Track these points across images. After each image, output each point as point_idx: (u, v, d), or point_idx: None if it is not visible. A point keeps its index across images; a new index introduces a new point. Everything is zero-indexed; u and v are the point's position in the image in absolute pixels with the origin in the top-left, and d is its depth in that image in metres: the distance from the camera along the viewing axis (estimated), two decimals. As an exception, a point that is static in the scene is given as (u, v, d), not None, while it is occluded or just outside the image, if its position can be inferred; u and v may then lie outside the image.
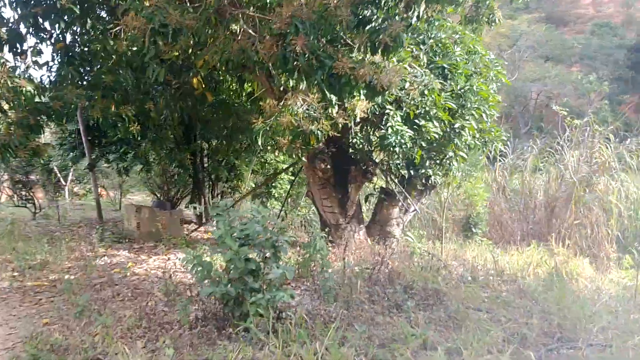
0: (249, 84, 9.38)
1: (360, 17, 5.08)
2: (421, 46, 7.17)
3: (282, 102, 6.15)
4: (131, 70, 7.37)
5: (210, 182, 12.50)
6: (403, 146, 7.37)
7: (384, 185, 9.07)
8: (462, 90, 8.06)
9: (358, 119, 6.72)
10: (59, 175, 14.47)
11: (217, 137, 10.97)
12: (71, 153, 11.59)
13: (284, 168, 11.29)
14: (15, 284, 6.19)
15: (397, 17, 5.14)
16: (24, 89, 6.06)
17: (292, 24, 4.81)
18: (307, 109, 6.19)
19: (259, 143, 6.62)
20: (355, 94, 6.04)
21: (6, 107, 6.79)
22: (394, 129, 7.37)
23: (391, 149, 7.47)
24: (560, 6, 50.39)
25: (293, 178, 12.80)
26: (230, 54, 5.41)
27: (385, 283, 5.87)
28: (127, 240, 9.29)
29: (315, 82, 5.08)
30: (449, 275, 6.41)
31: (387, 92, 5.35)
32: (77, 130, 10.95)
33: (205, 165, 12.12)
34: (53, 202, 14.49)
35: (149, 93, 8.39)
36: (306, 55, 4.86)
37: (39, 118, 6.60)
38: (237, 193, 13.77)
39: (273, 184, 12.33)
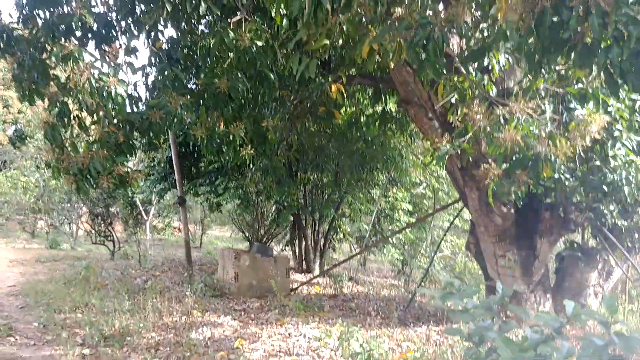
0: (383, 100, 7.33)
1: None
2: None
3: (492, 110, 3.96)
4: (245, 77, 5.53)
5: (313, 222, 10.45)
6: (632, 185, 5.03)
7: (575, 239, 6.59)
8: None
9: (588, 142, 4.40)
10: (140, 209, 12.99)
11: (329, 168, 8.92)
12: (159, 185, 9.93)
13: (436, 209, 8.79)
14: (84, 371, 4.26)
15: None
16: (113, 91, 4.27)
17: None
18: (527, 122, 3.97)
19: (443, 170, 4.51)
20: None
21: (88, 121, 5.08)
22: (623, 160, 5.03)
23: (609, 188, 5.15)
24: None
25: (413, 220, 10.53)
26: (432, 28, 3.33)
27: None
28: (224, 296, 7.32)
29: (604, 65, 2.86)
30: None
31: None
32: (167, 158, 9.31)
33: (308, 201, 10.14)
34: (132, 237, 13.01)
35: (263, 108, 6.52)
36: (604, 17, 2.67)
37: (129, 134, 4.81)
38: (340, 235, 11.67)
39: (390, 228, 10.08)
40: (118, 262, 11.08)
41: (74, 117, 4.97)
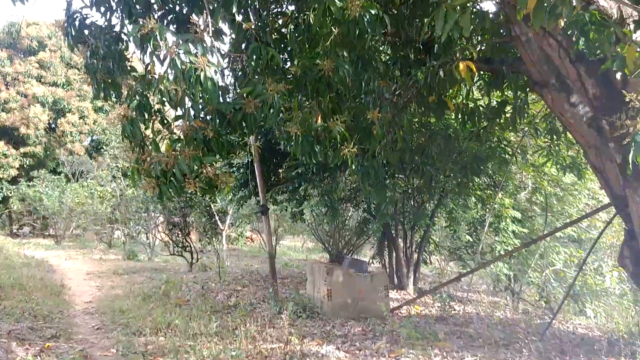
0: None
1: None
2: None
3: None
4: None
5: (404, 232, 9.38)
6: None
7: None
8: None
9: None
10: (216, 218, 12.42)
11: (429, 170, 7.81)
12: (239, 192, 9.22)
13: (577, 218, 6.71)
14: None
15: None
16: (202, 74, 3.47)
17: None
18: None
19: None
20: None
21: (171, 115, 4.34)
22: None
23: None
24: None
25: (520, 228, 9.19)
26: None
27: None
28: (316, 316, 6.43)
29: None
30: None
31: None
32: (248, 162, 8.56)
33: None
34: (208, 248, 12.48)
35: (364, 98, 5.58)
36: None
37: (219, 129, 4.00)
38: (432, 246, 10.51)
39: (495, 239, 8.81)
40: (197, 274, 10.51)
41: (154, 112, 4.26)
